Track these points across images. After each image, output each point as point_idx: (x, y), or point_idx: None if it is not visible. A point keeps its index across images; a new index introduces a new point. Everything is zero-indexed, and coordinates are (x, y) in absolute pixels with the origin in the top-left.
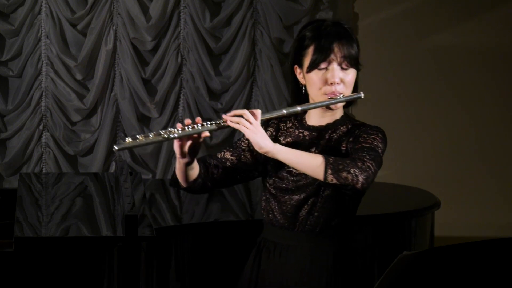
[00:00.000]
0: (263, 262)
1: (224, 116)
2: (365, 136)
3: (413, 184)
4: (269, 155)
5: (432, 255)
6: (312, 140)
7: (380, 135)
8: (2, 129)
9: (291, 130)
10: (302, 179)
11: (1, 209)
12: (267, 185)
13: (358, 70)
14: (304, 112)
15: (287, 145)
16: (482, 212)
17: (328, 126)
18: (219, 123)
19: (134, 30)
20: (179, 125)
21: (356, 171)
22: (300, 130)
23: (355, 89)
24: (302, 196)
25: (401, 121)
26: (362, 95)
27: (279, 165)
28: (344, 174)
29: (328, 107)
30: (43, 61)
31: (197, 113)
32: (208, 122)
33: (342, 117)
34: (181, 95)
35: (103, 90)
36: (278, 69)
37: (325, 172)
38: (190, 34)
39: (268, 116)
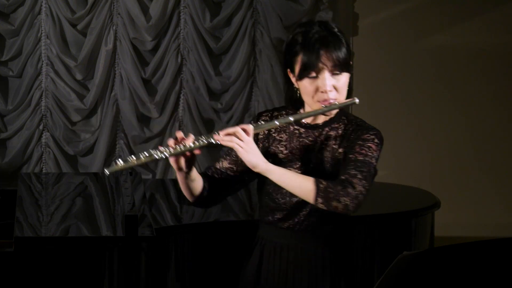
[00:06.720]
0: (265, 261)
1: (216, 136)
2: (361, 143)
3: (413, 184)
4: (262, 173)
5: (432, 255)
6: (307, 137)
7: (376, 140)
8: (2, 129)
9: (285, 125)
10: None
11: (1, 209)
12: (265, 186)
13: (350, 73)
14: (293, 106)
15: (282, 140)
16: (482, 212)
17: (324, 124)
18: (211, 141)
19: (134, 30)
20: (170, 142)
21: (347, 200)
22: (296, 127)
23: (349, 92)
24: (301, 199)
25: (401, 121)
26: (356, 100)
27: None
28: (334, 203)
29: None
30: (43, 61)
31: (197, 113)
32: (200, 139)
33: (337, 113)
34: (181, 95)
35: (103, 90)
36: (278, 69)
37: (315, 200)
38: (190, 34)
39: (260, 128)
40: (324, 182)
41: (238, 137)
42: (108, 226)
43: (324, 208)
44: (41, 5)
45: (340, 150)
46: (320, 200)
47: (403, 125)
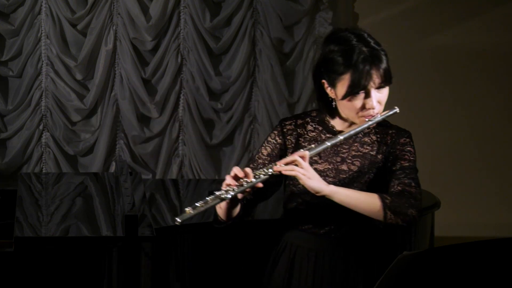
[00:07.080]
0: (296, 267)
1: (275, 167)
2: (400, 148)
3: None
4: (326, 196)
5: (432, 255)
6: (341, 145)
7: (412, 143)
8: (2, 129)
9: (314, 134)
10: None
11: (1, 209)
12: (295, 190)
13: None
14: (328, 114)
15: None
16: (482, 212)
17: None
18: (271, 173)
19: (134, 30)
20: (230, 180)
21: (413, 212)
22: (328, 135)
23: None
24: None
25: (400, 121)
26: (397, 110)
27: None
28: (402, 217)
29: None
30: (43, 61)
31: (197, 113)
32: (260, 173)
33: None
34: (181, 95)
35: (103, 90)
36: (278, 69)
37: (385, 216)
38: (190, 34)
39: (314, 152)
40: (388, 197)
41: (297, 165)
42: (108, 226)
43: (392, 222)
44: (41, 5)
45: (379, 156)
46: (389, 215)
47: (403, 125)
